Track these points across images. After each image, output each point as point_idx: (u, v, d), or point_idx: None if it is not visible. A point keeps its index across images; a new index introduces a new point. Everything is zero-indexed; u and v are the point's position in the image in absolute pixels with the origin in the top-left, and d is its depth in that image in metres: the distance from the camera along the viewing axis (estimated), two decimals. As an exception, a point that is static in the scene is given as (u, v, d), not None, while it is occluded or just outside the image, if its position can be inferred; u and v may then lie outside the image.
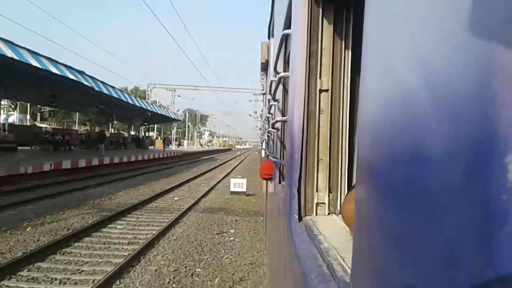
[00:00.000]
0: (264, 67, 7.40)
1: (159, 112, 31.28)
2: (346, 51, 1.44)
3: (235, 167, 24.63)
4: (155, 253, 5.87)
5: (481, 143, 0.30)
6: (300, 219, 1.39)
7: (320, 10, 1.39)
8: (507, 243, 0.27)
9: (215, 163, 29.39)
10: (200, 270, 5.14)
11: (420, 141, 0.41)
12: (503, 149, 0.28)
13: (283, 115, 2.46)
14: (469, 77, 0.32)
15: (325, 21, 1.41)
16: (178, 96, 49.52)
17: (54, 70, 13.93)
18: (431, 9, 0.40)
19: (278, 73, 2.17)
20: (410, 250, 0.42)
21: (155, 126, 44.98)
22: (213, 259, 5.73)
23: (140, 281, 4.67)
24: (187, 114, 68.47)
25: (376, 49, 0.58)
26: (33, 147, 20.94)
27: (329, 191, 1.44)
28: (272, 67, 2.81)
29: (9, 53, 11.30)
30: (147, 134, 39.59)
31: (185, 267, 5.25)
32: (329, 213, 1.42)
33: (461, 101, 0.33)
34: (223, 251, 6.16)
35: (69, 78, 15.05)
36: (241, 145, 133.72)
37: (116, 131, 35.90)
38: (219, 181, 15.73)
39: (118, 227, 7.58)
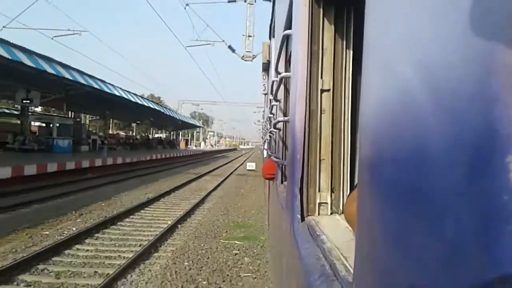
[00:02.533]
0: (266, 67, 7.40)
1: (187, 121, 44.83)
2: (347, 51, 1.44)
3: (243, 162, 34.91)
4: (226, 181, 17.15)
5: (482, 143, 0.30)
6: (302, 219, 1.39)
7: (321, 11, 1.39)
8: (509, 243, 0.27)
9: (228, 159, 40.87)
10: (243, 183, 16.40)
11: (421, 141, 0.41)
12: (504, 149, 0.28)
13: (284, 115, 2.46)
14: (470, 77, 0.32)
15: (326, 22, 1.41)
16: (201, 109, 69.64)
17: (149, 105, 26.09)
18: (431, 9, 0.40)
19: (280, 73, 2.17)
20: (413, 249, 0.42)
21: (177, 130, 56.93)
22: (245, 183, 16.71)
23: (227, 184, 16.05)
24: (201, 119, 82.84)
25: (377, 49, 0.58)
26: (117, 148, 30.46)
27: (332, 191, 1.44)
28: (274, 67, 2.81)
29: (117, 93, 19.79)
30: (167, 137, 51.74)
31: (238, 184, 16.07)
32: (331, 213, 1.42)
33: (462, 101, 0.33)
34: (248, 182, 16.83)
35: (153, 108, 26.96)
36: (244, 145, 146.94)
37: (133, 134, 45.25)
38: (238, 167, 27.17)
39: (207, 177, 18.43)
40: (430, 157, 0.39)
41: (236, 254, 5.94)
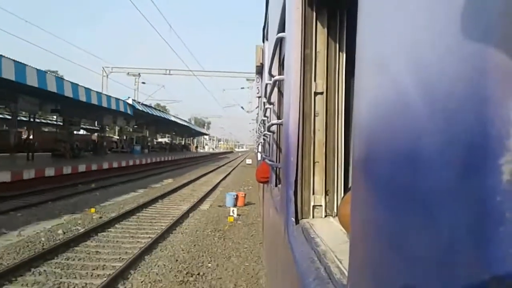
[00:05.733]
0: (259, 70, 7.40)
1: (199, 130, 58.96)
2: (341, 53, 1.44)
3: (242, 161, 48.17)
4: (235, 169, 31.60)
5: (475, 144, 0.31)
6: (297, 222, 1.38)
7: (314, 14, 1.40)
8: (502, 243, 0.27)
9: (229, 159, 56.30)
10: (245, 169, 30.24)
11: (415, 143, 0.41)
12: (497, 150, 0.28)
13: (278, 118, 2.47)
14: (462, 79, 0.32)
15: (319, 24, 1.41)
16: (209, 121, 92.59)
17: (187, 124, 44.03)
18: (424, 12, 0.40)
19: (273, 76, 2.18)
20: (407, 251, 0.42)
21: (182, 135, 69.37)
22: (246, 169, 29.95)
23: (236, 170, 30.56)
24: (206, 125, 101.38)
25: (370, 52, 0.58)
26: (157, 150, 44.68)
27: (326, 194, 1.44)
28: (267, 70, 2.81)
29: (172, 118, 35.82)
30: (176, 142, 66.73)
31: (242, 170, 30.35)
32: (326, 216, 1.42)
33: (455, 103, 0.33)
34: (247, 169, 29.25)
35: (185, 125, 42.73)
36: (239, 148, 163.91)
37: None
38: (240, 163, 39.63)
39: (223, 167, 33.09)
40: (424, 159, 0.39)
41: (247, 182, 18.96)
